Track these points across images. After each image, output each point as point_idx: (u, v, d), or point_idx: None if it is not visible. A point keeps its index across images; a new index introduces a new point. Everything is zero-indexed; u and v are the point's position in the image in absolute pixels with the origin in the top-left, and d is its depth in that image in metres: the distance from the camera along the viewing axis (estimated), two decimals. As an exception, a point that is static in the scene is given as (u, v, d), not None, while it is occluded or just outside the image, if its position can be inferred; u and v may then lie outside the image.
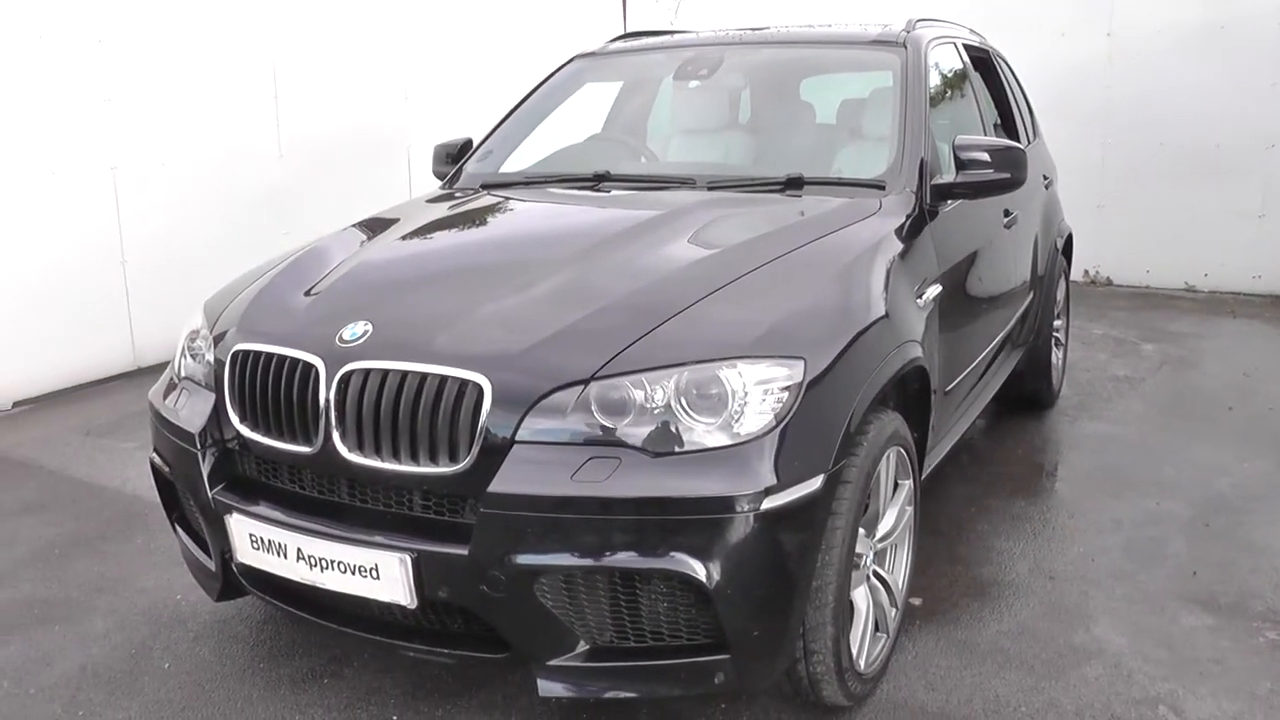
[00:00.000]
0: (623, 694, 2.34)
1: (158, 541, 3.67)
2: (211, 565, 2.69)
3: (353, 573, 2.28)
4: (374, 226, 3.32)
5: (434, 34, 7.82)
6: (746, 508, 2.14)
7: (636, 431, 2.18)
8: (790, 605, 2.26)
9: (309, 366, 2.37)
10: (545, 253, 2.82)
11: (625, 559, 2.14)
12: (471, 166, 3.90)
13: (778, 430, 2.20)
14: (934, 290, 3.02)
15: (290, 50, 6.70)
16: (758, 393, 2.22)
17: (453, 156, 4.02)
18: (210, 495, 2.52)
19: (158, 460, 2.83)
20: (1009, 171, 3.16)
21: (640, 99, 4.14)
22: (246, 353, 2.52)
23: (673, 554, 2.13)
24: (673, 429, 2.18)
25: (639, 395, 2.19)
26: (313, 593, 2.45)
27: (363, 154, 7.22)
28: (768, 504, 2.15)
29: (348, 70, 7.11)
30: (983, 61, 4.46)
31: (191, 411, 2.64)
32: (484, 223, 3.30)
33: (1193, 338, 6.48)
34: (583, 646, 2.25)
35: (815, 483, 2.21)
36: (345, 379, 2.32)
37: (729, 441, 2.17)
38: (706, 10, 9.32)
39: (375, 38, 7.31)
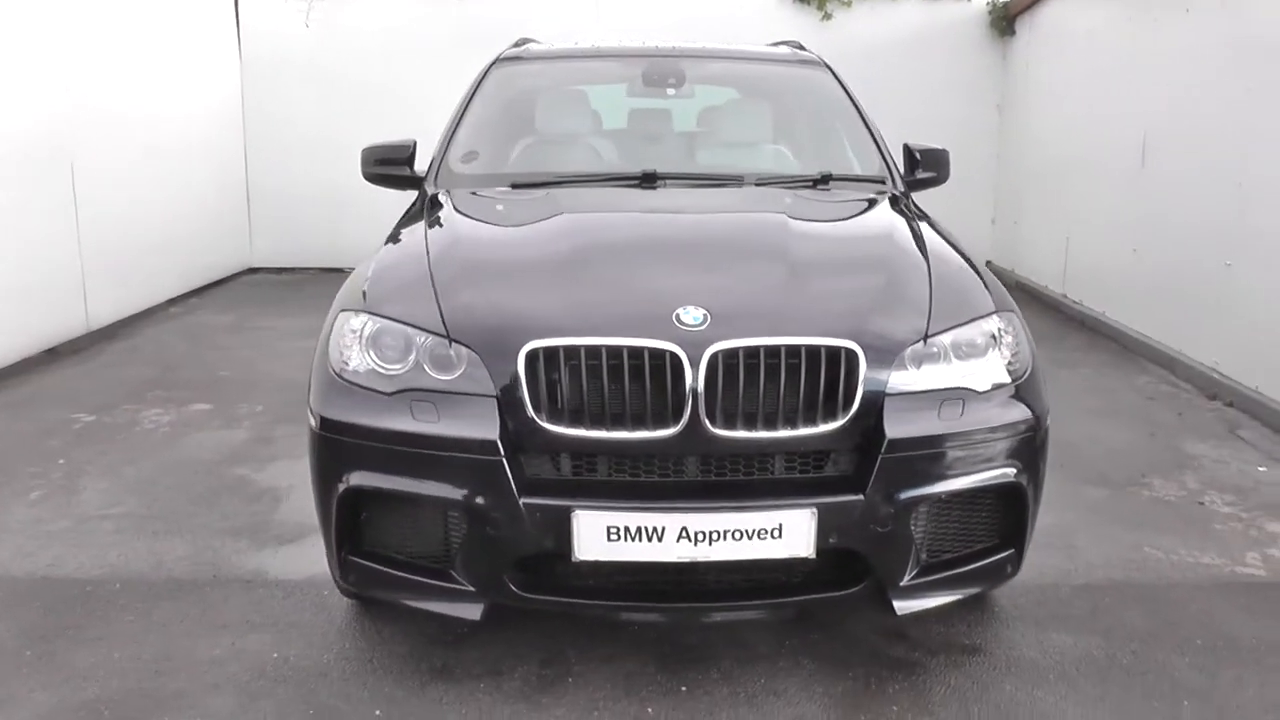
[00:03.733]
0: (951, 598, 2.76)
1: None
2: (468, 586, 2.57)
3: (752, 537, 2.43)
4: (482, 219, 3.36)
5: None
6: (1044, 425, 2.72)
7: (970, 372, 2.63)
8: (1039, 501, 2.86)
9: (661, 353, 2.44)
10: (739, 235, 3.10)
11: (978, 478, 2.60)
12: (459, 167, 3.83)
13: (1033, 365, 2.79)
14: None
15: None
16: (1008, 338, 2.79)
17: (398, 160, 3.89)
18: (524, 502, 2.44)
19: (384, 484, 2.57)
20: (940, 170, 3.99)
21: (592, 103, 4.30)
22: (553, 349, 2.47)
23: (1005, 468, 2.63)
24: (989, 368, 2.67)
25: (974, 342, 2.65)
26: (627, 583, 2.54)
27: None
28: (1049, 420, 2.75)
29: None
30: None
31: (465, 421, 2.49)
32: (623, 211, 3.42)
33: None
34: (915, 565, 2.64)
35: None
36: (714, 360, 2.44)
37: (1018, 377, 2.71)
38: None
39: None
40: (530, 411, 2.45)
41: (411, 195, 3.90)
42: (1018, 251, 9.24)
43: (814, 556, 2.47)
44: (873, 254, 2.98)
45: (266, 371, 6.14)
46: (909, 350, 2.58)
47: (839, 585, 2.61)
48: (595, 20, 9.49)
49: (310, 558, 3.56)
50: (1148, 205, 6.60)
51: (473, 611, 2.61)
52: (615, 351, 2.45)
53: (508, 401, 2.47)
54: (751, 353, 2.45)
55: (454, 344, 2.57)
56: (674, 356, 2.43)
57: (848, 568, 2.60)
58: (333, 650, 2.98)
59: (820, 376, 2.47)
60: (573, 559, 2.45)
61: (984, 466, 2.61)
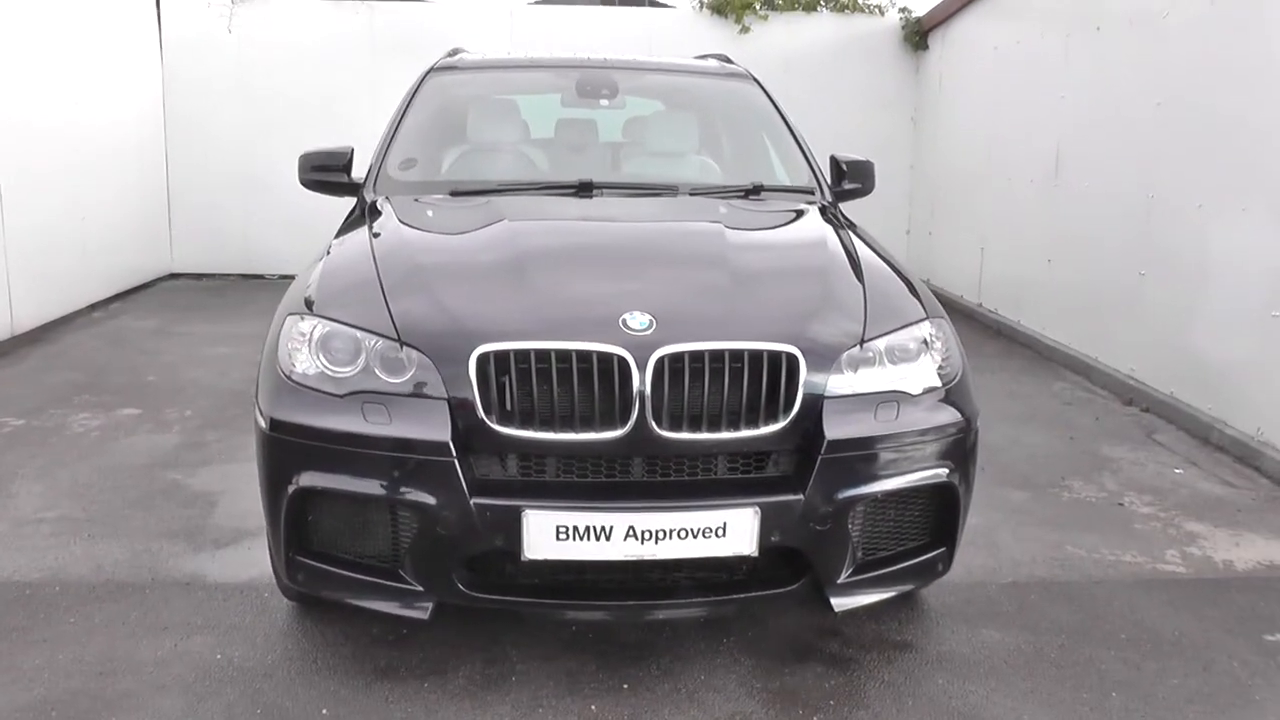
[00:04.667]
0: (882, 596, 2.86)
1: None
2: (416, 585, 2.60)
3: (697, 535, 2.49)
4: (426, 226, 3.36)
5: None
6: (974, 427, 2.84)
7: (904, 377, 2.74)
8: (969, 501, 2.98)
9: (609, 356, 2.50)
10: (678, 243, 3.19)
11: (912, 478, 2.71)
12: (397, 174, 3.85)
13: (963, 369, 2.92)
14: None
15: None
16: (938, 344, 2.91)
17: (335, 167, 3.89)
18: (474, 502, 2.48)
19: (334, 484, 2.59)
20: (865, 181, 4.13)
21: (527, 113, 4.34)
22: (504, 353, 2.51)
23: (938, 469, 2.74)
24: (921, 373, 2.78)
25: (906, 348, 2.76)
26: (572, 581, 2.61)
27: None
28: (978, 423, 2.88)
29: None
30: None
31: (417, 423, 2.52)
32: (563, 219, 3.47)
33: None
34: (851, 563, 2.74)
35: None
36: (660, 364, 2.51)
37: (948, 381, 2.83)
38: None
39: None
40: (481, 414, 2.49)
41: (347, 202, 3.91)
42: (932, 261, 9.50)
43: (757, 554, 2.55)
44: (808, 262, 3.08)
45: (192, 377, 6.06)
46: (846, 355, 2.68)
47: (779, 583, 2.69)
48: (511, 31, 9.54)
49: (248, 560, 3.56)
50: (1061, 217, 6.85)
51: (421, 611, 2.63)
52: (564, 355, 2.50)
53: (458, 404, 2.51)
54: (696, 357, 2.52)
55: (405, 347, 2.59)
56: (621, 360, 2.49)
57: (787, 566, 2.69)
58: (276, 651, 2.98)
59: (762, 380, 2.55)
60: (522, 558, 2.50)
61: (918, 467, 2.72)
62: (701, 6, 9.78)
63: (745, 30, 9.68)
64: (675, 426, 2.52)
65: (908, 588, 2.97)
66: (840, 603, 2.73)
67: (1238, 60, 5.03)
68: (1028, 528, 4.01)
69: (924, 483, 2.74)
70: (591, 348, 2.50)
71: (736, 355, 2.55)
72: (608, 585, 2.66)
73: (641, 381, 2.49)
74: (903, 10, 9.83)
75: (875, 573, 2.77)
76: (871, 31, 9.87)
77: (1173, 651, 3.11)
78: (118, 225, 8.43)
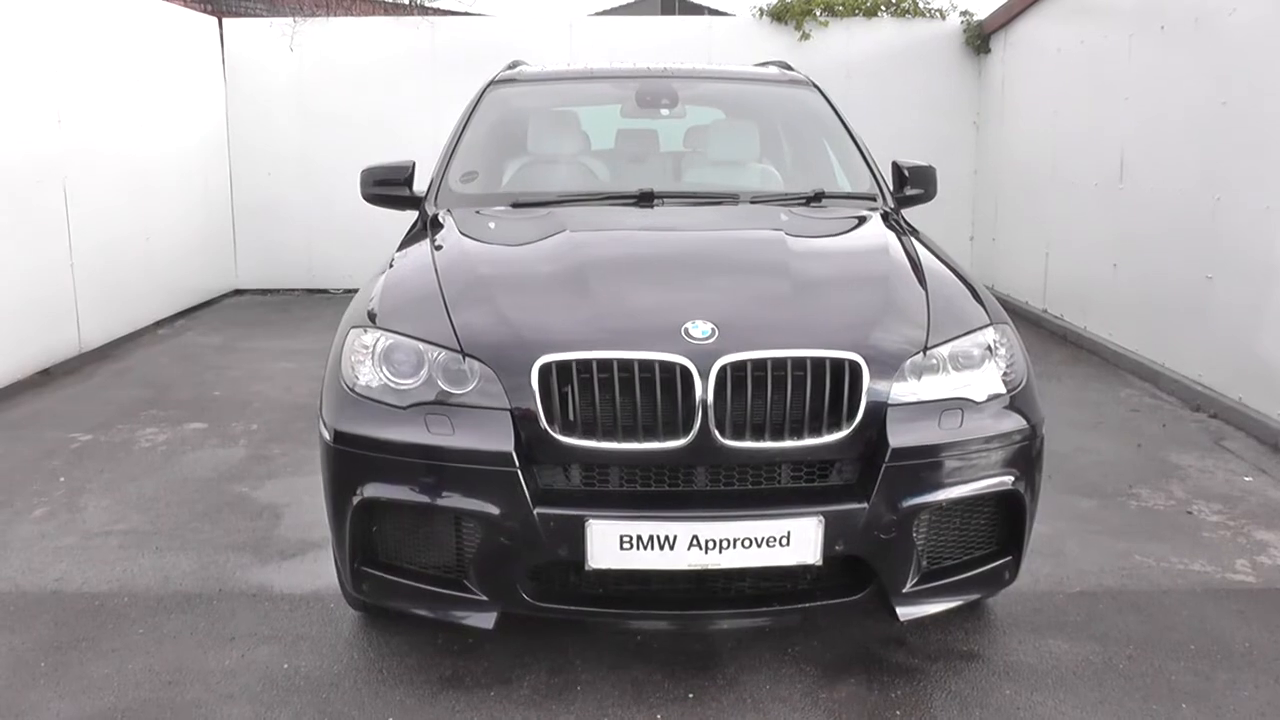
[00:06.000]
0: (948, 605, 2.82)
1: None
2: (481, 595, 2.62)
3: (761, 545, 2.48)
4: (487, 238, 3.43)
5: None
6: (1039, 435, 2.80)
7: (968, 383, 2.71)
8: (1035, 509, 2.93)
9: (671, 366, 2.50)
10: (739, 251, 3.21)
11: (977, 486, 2.67)
12: (459, 186, 3.90)
13: (1028, 376, 2.88)
14: None
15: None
16: (1002, 350, 2.87)
17: (397, 181, 3.95)
18: (538, 512, 2.49)
19: (398, 495, 2.62)
20: (928, 187, 4.09)
21: (587, 124, 4.38)
22: (566, 363, 2.53)
23: (1004, 477, 2.71)
24: (986, 379, 2.75)
25: (970, 354, 2.73)
26: (636, 591, 2.61)
27: None
28: (1043, 429, 2.83)
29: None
30: None
31: (480, 433, 2.54)
32: (625, 229, 3.48)
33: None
34: (917, 572, 2.70)
35: None
36: (723, 372, 2.50)
37: (1013, 387, 2.79)
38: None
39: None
40: (543, 424, 2.51)
41: (409, 216, 3.96)
42: (996, 267, 9.37)
43: (820, 563, 2.53)
44: (871, 269, 3.05)
45: (257, 391, 6.17)
46: (909, 362, 2.65)
47: (843, 592, 2.67)
48: (571, 43, 9.59)
49: (313, 572, 3.61)
50: (1127, 220, 6.73)
51: (486, 620, 2.65)
52: (626, 365, 2.51)
53: (521, 414, 2.53)
54: (759, 365, 2.52)
55: (467, 359, 2.62)
56: (684, 369, 2.49)
57: (852, 574, 2.66)
58: (342, 661, 3.02)
59: (825, 388, 2.54)
60: (586, 568, 2.50)
61: (983, 475, 2.68)
62: (761, 14, 9.75)
63: (805, 37, 9.64)
64: (738, 435, 2.51)
65: (974, 597, 2.93)
66: (905, 612, 2.70)
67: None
68: (1095, 536, 3.94)
69: (989, 490, 2.70)
70: (654, 357, 2.51)
71: (799, 363, 2.54)
72: (671, 595, 2.66)
73: (704, 390, 2.49)
74: (964, 13, 9.72)
75: (941, 581, 2.74)
76: (933, 35, 9.77)
77: (1243, 663, 3.03)
78: (183, 243, 8.62)
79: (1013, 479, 2.72)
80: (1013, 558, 2.83)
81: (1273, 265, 5.12)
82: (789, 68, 4.76)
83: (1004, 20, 9.02)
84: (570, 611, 2.66)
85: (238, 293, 9.86)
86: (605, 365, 2.51)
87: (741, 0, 10.06)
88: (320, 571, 3.59)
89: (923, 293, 2.92)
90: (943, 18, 9.84)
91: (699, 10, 22.19)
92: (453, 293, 2.85)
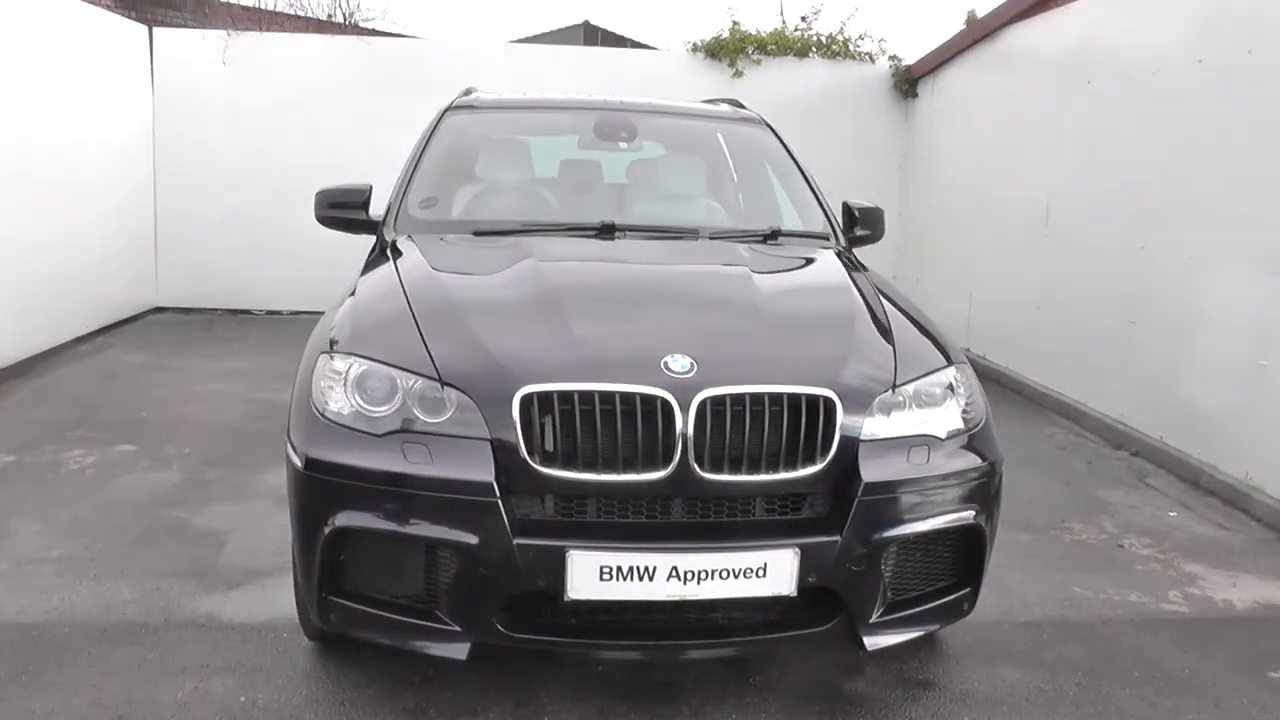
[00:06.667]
0: (911, 635, 2.89)
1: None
2: (454, 625, 2.61)
3: (738, 576, 2.52)
4: (456, 265, 3.39)
5: None
6: (999, 470, 2.90)
7: (931, 421, 2.80)
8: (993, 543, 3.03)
9: (652, 399, 2.53)
10: (708, 286, 3.25)
11: (942, 520, 2.76)
12: (417, 212, 3.87)
13: (986, 414, 2.98)
14: None
15: None
16: (962, 389, 2.97)
17: (353, 204, 3.92)
18: (517, 542, 2.49)
19: (373, 524, 2.59)
20: (875, 228, 4.21)
21: (546, 154, 4.40)
22: (548, 394, 2.54)
23: (966, 511, 2.80)
24: (948, 417, 2.84)
25: (933, 393, 2.82)
26: (609, 621, 2.62)
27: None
28: (1002, 466, 2.94)
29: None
30: None
31: (459, 463, 2.53)
32: (592, 259, 3.52)
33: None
34: (882, 603, 2.77)
35: None
36: (703, 406, 2.54)
37: (973, 425, 2.89)
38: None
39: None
40: (524, 454, 2.51)
41: (344, 238, 3.96)
42: (920, 307, 9.58)
43: (795, 594, 2.58)
44: (837, 308, 3.13)
45: (187, 413, 6.01)
46: (878, 399, 2.73)
47: (814, 622, 2.72)
48: (508, 68, 9.61)
49: (264, 600, 3.53)
50: (1052, 265, 6.98)
51: (459, 651, 2.63)
52: (608, 397, 2.53)
53: (500, 444, 2.52)
54: (737, 400, 2.56)
55: (446, 387, 2.61)
56: (665, 402, 2.52)
57: (821, 605, 2.72)
58: (301, 693, 2.96)
59: (801, 423, 2.59)
60: (564, 598, 2.51)
61: (947, 509, 2.77)
62: (695, 49, 9.91)
63: (739, 74, 9.81)
64: (716, 468, 2.55)
65: (934, 627, 3.01)
66: (872, 641, 2.75)
67: (1227, 117, 5.18)
68: (1035, 569, 4.07)
69: (953, 524, 2.79)
70: (635, 390, 2.53)
71: (775, 398, 2.59)
72: (645, 624, 2.68)
73: (684, 423, 2.52)
74: (892, 58, 10.01)
75: (905, 612, 2.81)
76: (862, 78, 10.02)
77: (1184, 689, 3.17)
78: (104, 259, 8.34)
79: (973, 513, 2.81)
80: (971, 589, 2.92)
81: (1193, 313, 5.38)
82: (741, 105, 4.86)
83: (932, 66, 9.32)
84: (544, 642, 2.67)
85: (159, 310, 9.58)
86: (587, 397, 2.53)
87: (663, 34, 10.20)
88: (271, 600, 3.52)
89: (888, 331, 3.01)
90: (872, 61, 10.12)
91: (621, 42, 22.42)
92: (426, 320, 2.84)
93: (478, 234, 3.70)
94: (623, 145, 4.37)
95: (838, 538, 2.58)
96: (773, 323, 2.93)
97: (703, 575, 2.51)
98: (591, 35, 27.32)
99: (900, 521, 2.68)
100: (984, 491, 2.84)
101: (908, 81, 9.87)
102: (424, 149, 4.15)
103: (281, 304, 9.62)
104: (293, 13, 10.30)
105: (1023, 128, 7.48)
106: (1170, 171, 5.63)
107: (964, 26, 9.05)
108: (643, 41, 20.06)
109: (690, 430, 2.52)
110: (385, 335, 2.84)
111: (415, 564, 2.63)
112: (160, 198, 9.38)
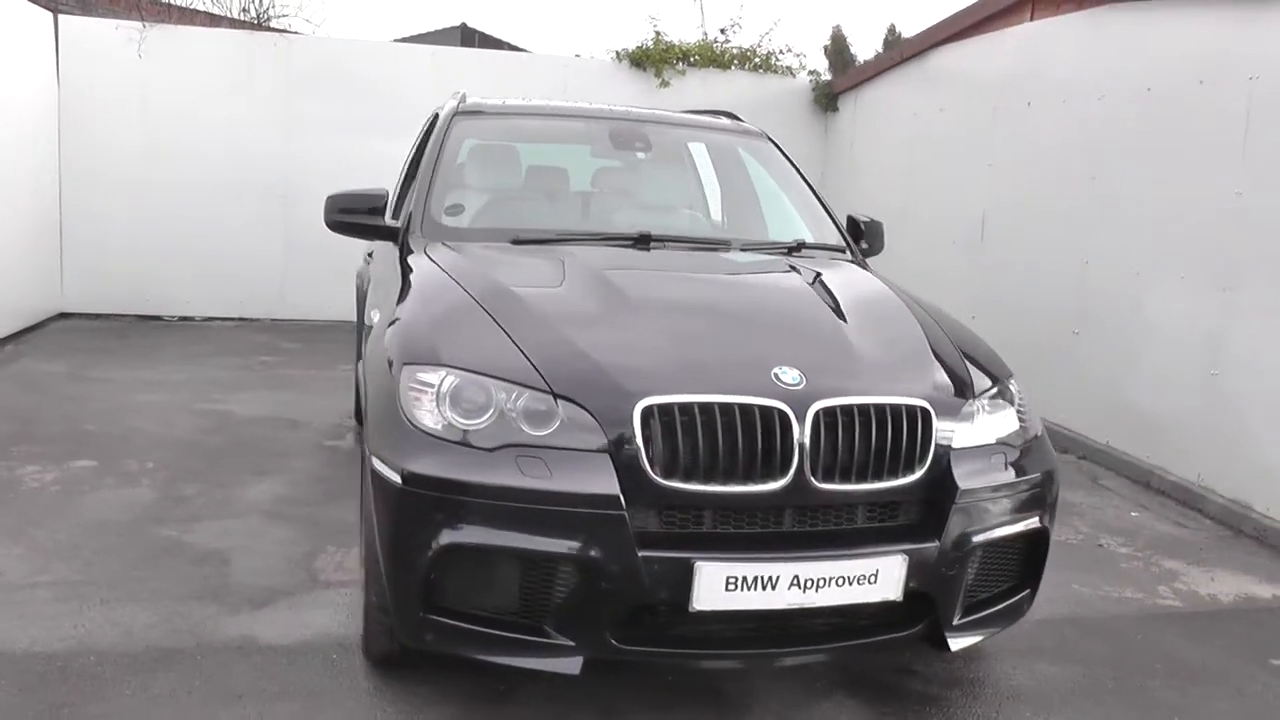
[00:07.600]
0: (984, 636, 3.01)
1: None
2: (566, 640, 2.59)
3: (851, 583, 2.59)
4: (520, 276, 3.32)
5: None
6: (1057, 475, 3.06)
7: (1002, 429, 2.94)
8: None
9: (770, 410, 2.58)
10: (783, 299, 3.33)
11: (1017, 524, 2.89)
12: (446, 219, 3.80)
13: (1040, 424, 3.15)
14: None
15: None
16: (1019, 399, 3.13)
17: (366, 209, 3.83)
18: (642, 555, 2.49)
19: (486, 540, 2.55)
20: (875, 242, 4.37)
21: (564, 163, 4.36)
22: (668, 406, 2.55)
23: (1035, 515, 2.94)
24: (1014, 426, 2.99)
25: (999, 402, 2.96)
26: (715, 630, 2.66)
27: None
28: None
29: None
30: None
31: (581, 477, 2.52)
32: (649, 269, 3.55)
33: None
34: (962, 606, 2.88)
35: None
36: (817, 417, 2.60)
37: (1034, 432, 3.05)
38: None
39: None
40: (645, 466, 2.52)
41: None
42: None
43: (901, 599, 2.66)
44: (906, 320, 3.24)
45: (134, 426, 5.71)
46: (963, 409, 2.85)
47: (904, 625, 2.81)
48: (436, 72, 9.46)
49: (297, 621, 3.42)
50: (987, 277, 7.30)
51: (572, 666, 2.60)
52: (727, 408, 2.56)
53: (621, 456, 2.52)
54: (847, 410, 2.64)
55: (558, 400, 2.59)
56: (782, 413, 2.57)
57: (906, 609, 2.80)
58: (375, 715, 2.88)
59: (902, 432, 2.69)
60: (689, 609, 2.52)
61: (1021, 513, 2.91)
62: (620, 58, 9.96)
63: (665, 84, 9.91)
64: (828, 477, 2.61)
65: (1001, 628, 3.13)
66: (955, 643, 2.86)
67: (1178, 141, 5.53)
68: (1033, 569, 4.27)
69: (1025, 528, 2.92)
70: (753, 401, 2.57)
71: (880, 409, 2.67)
72: (749, 634, 2.71)
73: (801, 434, 2.57)
74: (812, 73, 10.30)
75: (979, 614, 2.93)
76: (784, 91, 10.25)
77: (1205, 678, 3.39)
78: (6, 260, 7.82)
79: (1039, 517, 2.96)
80: (1030, 590, 3.07)
81: (1140, 325, 5.72)
82: (737, 118, 4.94)
83: (855, 82, 9.63)
84: (657, 654, 2.66)
85: (64, 316, 9.05)
86: (707, 408, 2.56)
87: (538, 39, 10.23)
88: (307, 620, 3.40)
89: (953, 342, 3.13)
90: (793, 75, 10.38)
91: (499, 45, 22.25)
92: (517, 330, 2.81)
93: (516, 242, 3.66)
94: (640, 155, 4.39)
95: (936, 543, 2.68)
96: (857, 336, 3.01)
97: (821, 583, 2.57)
98: (469, 38, 27.02)
99: (988, 526, 2.80)
100: (1048, 496, 3.00)
101: (828, 96, 10.16)
102: (439, 154, 4.06)
103: (194, 310, 9.22)
104: (204, 9, 9.87)
105: (956, 144, 7.78)
106: (1115, 193, 5.97)
107: (880, 50, 9.40)
108: (519, 46, 20.00)
109: (807, 441, 2.57)
110: (474, 346, 2.79)
111: (527, 579, 2.60)
112: (65, 197, 8.86)
